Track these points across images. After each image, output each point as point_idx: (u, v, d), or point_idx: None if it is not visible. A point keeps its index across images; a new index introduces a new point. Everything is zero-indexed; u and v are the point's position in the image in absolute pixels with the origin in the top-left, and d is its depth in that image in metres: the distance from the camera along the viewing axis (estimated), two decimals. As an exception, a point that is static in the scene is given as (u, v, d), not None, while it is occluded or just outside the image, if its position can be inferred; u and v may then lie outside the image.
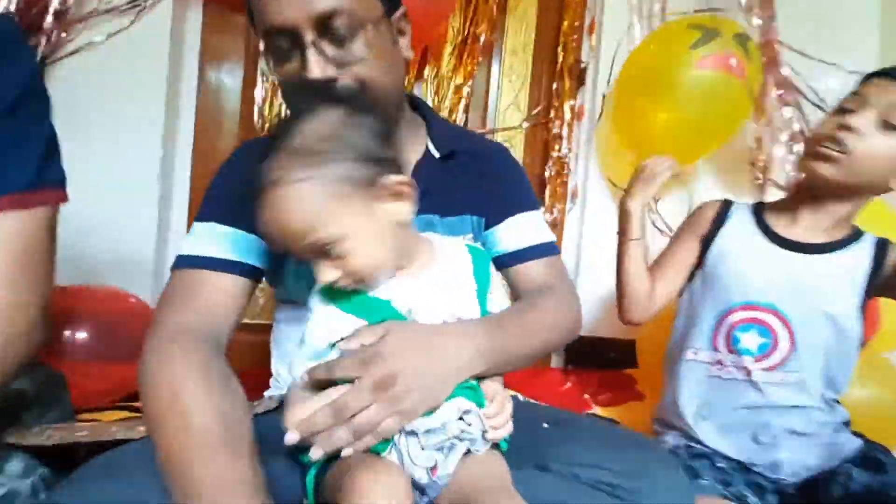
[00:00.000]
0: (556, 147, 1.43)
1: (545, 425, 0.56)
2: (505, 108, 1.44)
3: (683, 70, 1.10)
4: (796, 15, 1.29)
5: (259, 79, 1.33)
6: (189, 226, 0.76)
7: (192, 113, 1.35)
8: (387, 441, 0.44)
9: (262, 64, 1.30)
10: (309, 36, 0.51)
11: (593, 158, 1.44)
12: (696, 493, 0.60)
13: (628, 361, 1.29)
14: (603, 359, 1.38)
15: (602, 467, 0.47)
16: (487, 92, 1.45)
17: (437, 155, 0.65)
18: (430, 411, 0.45)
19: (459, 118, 1.37)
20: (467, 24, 1.35)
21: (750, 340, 0.76)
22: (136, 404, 0.95)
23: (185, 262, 0.55)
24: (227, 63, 1.34)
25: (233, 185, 0.60)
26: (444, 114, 1.33)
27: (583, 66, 1.42)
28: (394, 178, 0.46)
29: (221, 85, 1.35)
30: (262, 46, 0.56)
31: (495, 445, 0.48)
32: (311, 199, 0.43)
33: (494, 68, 1.44)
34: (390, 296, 0.48)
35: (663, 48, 1.16)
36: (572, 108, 1.42)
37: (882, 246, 0.76)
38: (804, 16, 1.31)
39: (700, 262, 0.82)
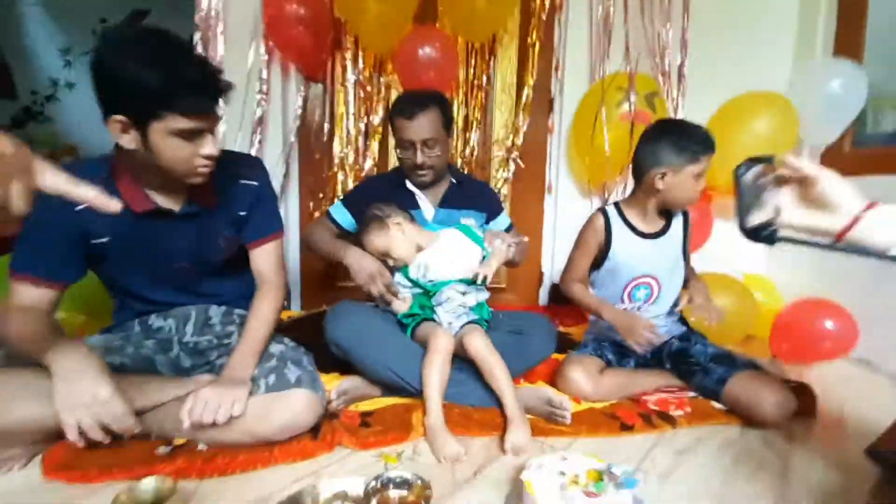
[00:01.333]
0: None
1: (500, 315, 1.26)
2: (499, 130, 2.06)
3: (611, 117, 1.74)
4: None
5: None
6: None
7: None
8: (433, 313, 1.16)
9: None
10: (418, 145, 1.28)
11: (563, 163, 2.05)
12: (578, 354, 1.30)
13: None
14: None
15: (519, 328, 1.18)
16: (485, 118, 2.06)
17: (455, 182, 1.43)
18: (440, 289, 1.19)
19: (471, 136, 2.01)
20: (468, 74, 1.96)
21: (641, 294, 1.37)
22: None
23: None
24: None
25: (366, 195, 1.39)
26: (458, 135, 1.98)
27: (552, 97, 2.02)
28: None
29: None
30: (396, 142, 1.36)
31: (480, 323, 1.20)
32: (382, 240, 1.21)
33: (488, 102, 2.05)
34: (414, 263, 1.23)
35: (595, 104, 1.79)
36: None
37: (685, 217, 1.37)
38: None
39: (602, 258, 1.36)
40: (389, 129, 1.44)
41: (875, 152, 1.81)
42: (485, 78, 1.98)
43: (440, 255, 1.24)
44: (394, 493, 0.82)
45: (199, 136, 0.89)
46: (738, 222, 0.74)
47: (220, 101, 0.91)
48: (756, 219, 0.73)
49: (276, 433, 0.95)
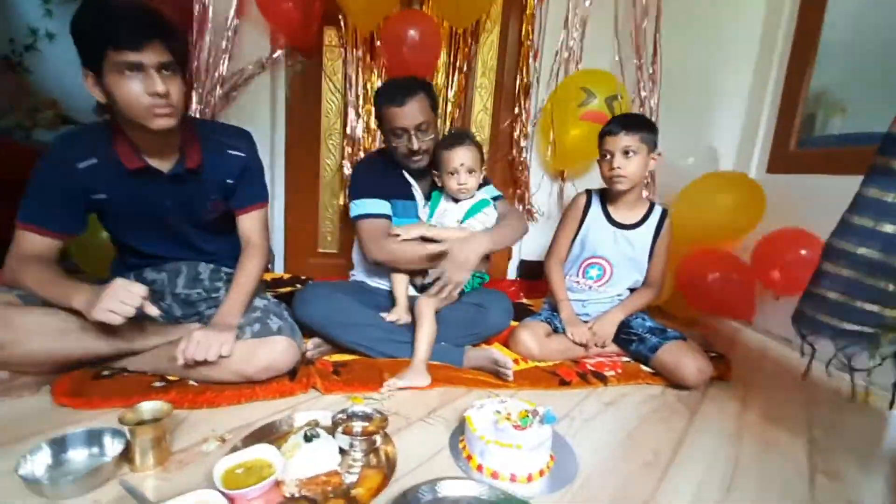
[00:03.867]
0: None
1: (465, 289, 1.42)
2: (477, 113, 2.17)
3: (572, 117, 1.87)
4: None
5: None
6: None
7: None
8: None
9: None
10: (412, 131, 1.32)
11: (534, 150, 2.19)
12: (531, 320, 1.47)
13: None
14: (535, 274, 2.24)
15: (480, 302, 1.34)
16: (465, 101, 2.17)
17: None
18: None
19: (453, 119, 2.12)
20: (450, 57, 2.05)
21: (593, 272, 1.55)
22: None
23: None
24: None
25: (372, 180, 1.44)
26: (442, 118, 2.08)
27: (528, 84, 2.13)
28: None
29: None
30: (383, 131, 1.40)
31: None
32: None
33: (468, 85, 2.15)
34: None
35: (563, 99, 1.91)
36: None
37: (662, 215, 1.52)
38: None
39: (576, 234, 1.55)
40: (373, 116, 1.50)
41: (818, 153, 1.98)
42: (465, 63, 2.07)
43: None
44: (357, 424, 0.97)
45: (145, 73, 0.95)
46: None
47: (164, 43, 0.96)
48: None
49: (258, 373, 1.10)
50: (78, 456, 0.84)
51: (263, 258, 1.24)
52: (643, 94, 2.00)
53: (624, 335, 1.51)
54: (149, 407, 0.89)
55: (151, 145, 1.08)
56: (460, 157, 1.33)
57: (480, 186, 1.46)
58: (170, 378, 1.11)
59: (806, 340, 1.00)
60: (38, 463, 0.80)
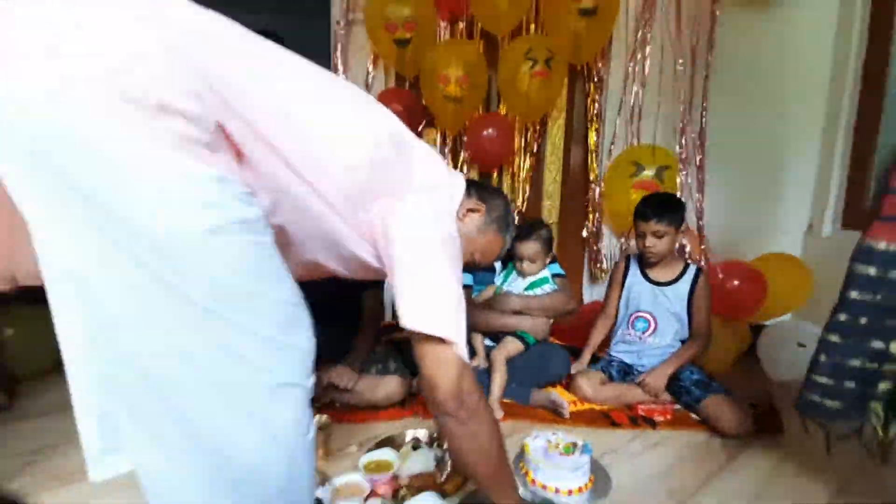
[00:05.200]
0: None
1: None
2: (549, 185, 2.56)
3: (627, 186, 2.18)
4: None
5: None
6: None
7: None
8: None
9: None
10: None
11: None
12: (590, 369, 1.78)
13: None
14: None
15: (543, 352, 1.70)
16: (538, 178, 2.57)
17: None
18: None
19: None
20: (523, 141, 2.49)
21: (641, 325, 1.83)
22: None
23: None
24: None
25: None
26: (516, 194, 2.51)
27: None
28: None
29: None
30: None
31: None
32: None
33: (540, 164, 2.55)
34: None
35: (619, 172, 2.23)
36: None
37: (697, 273, 1.76)
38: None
39: (619, 294, 1.87)
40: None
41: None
42: (535, 146, 2.49)
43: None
44: (446, 443, 1.39)
45: None
46: None
47: None
48: None
49: (379, 401, 1.59)
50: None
51: (376, 327, 1.76)
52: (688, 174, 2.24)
53: (673, 385, 1.73)
54: (318, 418, 1.40)
55: None
56: (527, 249, 1.74)
57: (548, 262, 1.84)
58: (324, 401, 1.64)
59: (808, 422, 1.19)
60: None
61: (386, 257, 0.82)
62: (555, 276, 1.84)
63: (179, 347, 0.57)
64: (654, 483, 1.31)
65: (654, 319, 1.79)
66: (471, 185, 1.01)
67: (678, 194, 2.17)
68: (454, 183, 0.97)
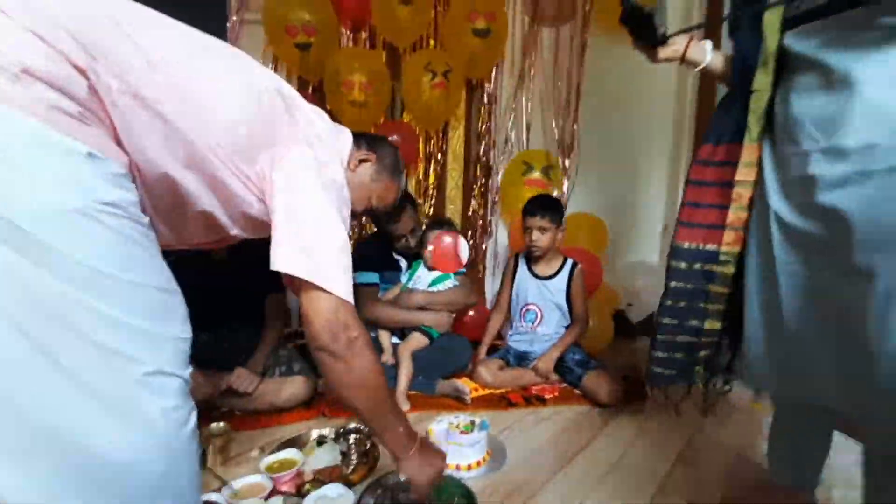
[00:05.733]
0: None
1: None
2: (451, 190, 2.71)
3: (521, 183, 2.41)
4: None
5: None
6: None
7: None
8: None
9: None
10: (408, 234, 1.89)
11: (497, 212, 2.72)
12: (488, 358, 1.93)
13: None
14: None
15: (446, 345, 1.81)
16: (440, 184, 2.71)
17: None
18: None
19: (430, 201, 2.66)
20: (426, 149, 2.61)
21: (530, 316, 2.02)
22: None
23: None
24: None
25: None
26: (423, 196, 2.62)
27: (490, 166, 2.68)
28: None
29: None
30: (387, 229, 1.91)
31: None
32: None
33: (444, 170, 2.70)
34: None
35: (513, 172, 2.47)
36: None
37: (572, 268, 2.00)
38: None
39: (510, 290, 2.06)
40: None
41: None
42: (439, 154, 2.64)
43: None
44: (352, 436, 1.42)
45: None
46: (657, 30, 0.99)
47: None
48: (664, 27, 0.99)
49: (284, 403, 1.56)
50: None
51: (279, 330, 1.73)
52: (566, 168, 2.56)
53: (560, 366, 1.94)
54: (215, 427, 1.34)
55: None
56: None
57: None
58: (223, 409, 1.57)
59: (655, 390, 1.41)
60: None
61: (269, 207, 0.81)
62: (457, 274, 1.97)
63: (30, 340, 0.51)
64: (543, 452, 1.47)
65: (540, 310, 2.00)
66: (359, 136, 1.04)
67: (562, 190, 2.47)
68: (340, 136, 0.99)
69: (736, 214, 1.18)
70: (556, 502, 1.22)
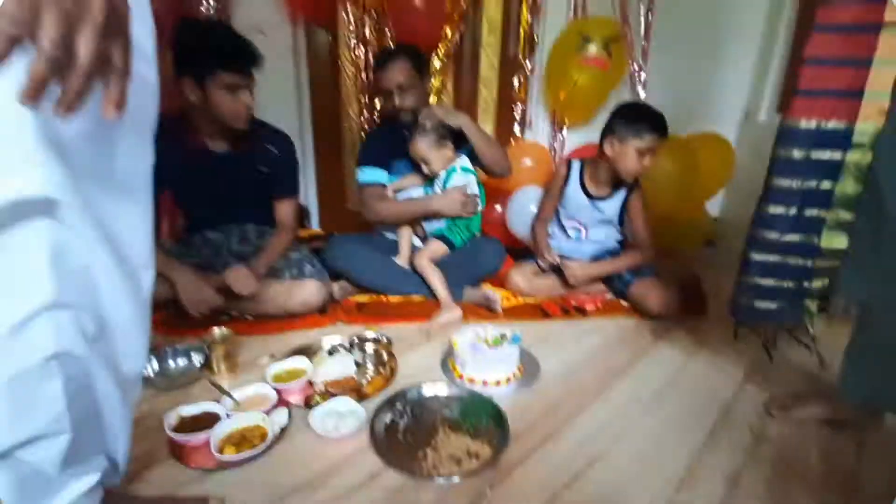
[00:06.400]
0: (518, 91, 2.28)
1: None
2: (485, 69, 2.28)
3: (575, 63, 1.97)
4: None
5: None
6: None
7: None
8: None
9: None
10: (395, 91, 1.55)
11: (540, 100, 2.29)
12: (522, 261, 1.70)
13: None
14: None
15: (472, 249, 1.58)
16: (475, 57, 2.27)
17: None
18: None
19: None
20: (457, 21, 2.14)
21: (572, 233, 1.73)
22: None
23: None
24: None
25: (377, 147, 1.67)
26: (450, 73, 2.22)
27: (535, 37, 2.19)
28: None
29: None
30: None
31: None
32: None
33: (477, 44, 2.24)
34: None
35: (565, 46, 1.99)
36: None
37: (629, 190, 1.64)
38: None
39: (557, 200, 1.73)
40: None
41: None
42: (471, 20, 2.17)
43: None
44: (368, 345, 1.28)
45: (241, 90, 1.29)
46: None
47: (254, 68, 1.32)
48: None
49: (296, 308, 1.43)
50: (174, 364, 1.20)
51: (289, 236, 1.55)
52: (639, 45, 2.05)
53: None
54: (218, 332, 1.23)
55: (210, 134, 1.39)
56: (418, 150, 1.57)
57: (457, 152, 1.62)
58: (233, 314, 1.46)
59: (742, 326, 1.13)
60: (149, 368, 1.16)
61: None
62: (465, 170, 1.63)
63: None
64: (580, 369, 1.29)
65: (584, 228, 1.72)
66: None
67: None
68: None
69: (880, 74, 0.83)
70: (595, 427, 1.06)
